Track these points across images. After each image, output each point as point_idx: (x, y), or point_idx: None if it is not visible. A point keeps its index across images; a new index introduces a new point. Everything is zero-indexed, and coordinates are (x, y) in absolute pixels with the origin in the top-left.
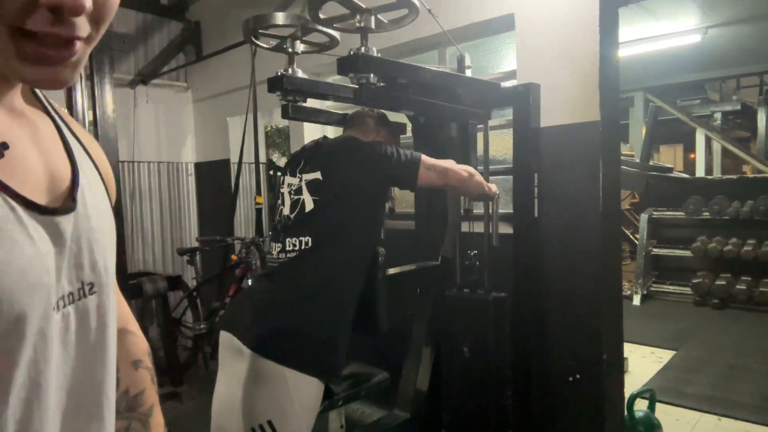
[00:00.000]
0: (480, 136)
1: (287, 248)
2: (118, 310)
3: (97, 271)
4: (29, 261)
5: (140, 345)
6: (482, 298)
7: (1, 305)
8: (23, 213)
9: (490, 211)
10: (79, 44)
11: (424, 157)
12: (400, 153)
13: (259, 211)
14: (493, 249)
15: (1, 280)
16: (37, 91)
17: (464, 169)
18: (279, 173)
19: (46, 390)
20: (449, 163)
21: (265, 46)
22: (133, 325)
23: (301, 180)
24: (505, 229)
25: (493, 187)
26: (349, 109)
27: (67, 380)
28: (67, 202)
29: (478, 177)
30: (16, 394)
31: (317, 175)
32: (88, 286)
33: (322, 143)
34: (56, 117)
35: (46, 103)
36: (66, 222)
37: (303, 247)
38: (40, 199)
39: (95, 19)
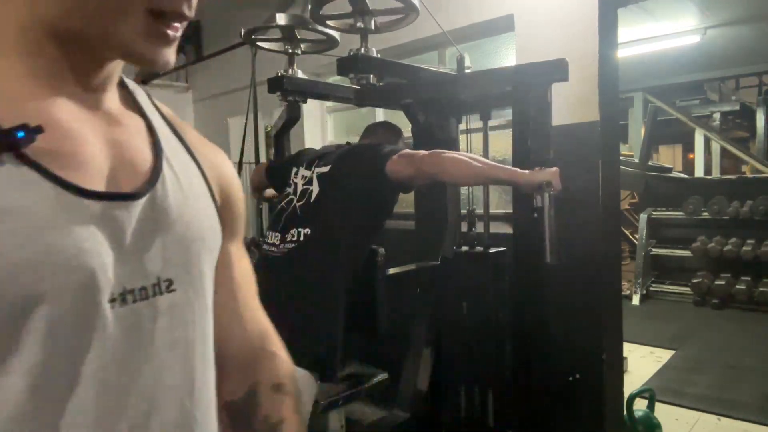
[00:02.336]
0: (479, 136)
1: (287, 238)
2: (255, 326)
3: (177, 268)
4: (56, 240)
5: (282, 367)
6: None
7: (7, 282)
8: (57, 192)
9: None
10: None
11: (405, 150)
12: (381, 147)
13: (259, 211)
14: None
15: (11, 254)
16: (140, 99)
17: (429, 152)
18: (292, 167)
19: (80, 386)
20: (430, 152)
21: (265, 46)
22: (274, 345)
23: (313, 172)
24: (505, 228)
25: (526, 173)
26: (350, 109)
27: (137, 382)
28: (136, 192)
29: (450, 154)
30: (26, 381)
31: (327, 168)
32: (166, 283)
33: (342, 146)
34: (153, 120)
35: (148, 108)
36: (124, 210)
37: (302, 239)
38: (92, 186)
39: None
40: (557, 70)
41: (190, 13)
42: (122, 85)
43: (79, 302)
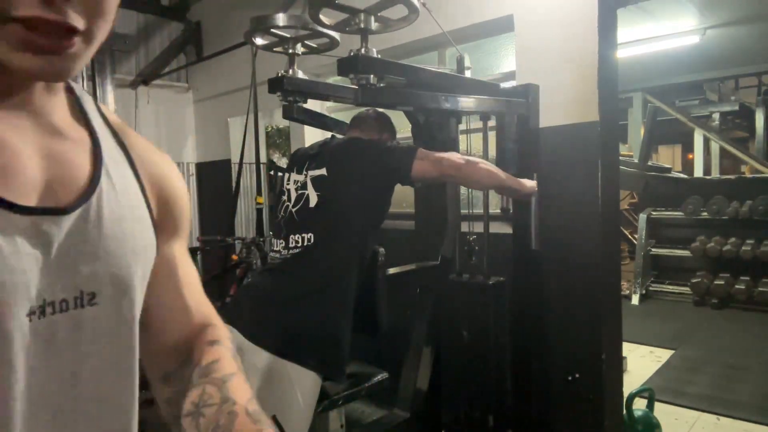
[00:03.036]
0: (479, 136)
1: (290, 245)
2: (200, 317)
3: (102, 282)
4: None
5: (220, 332)
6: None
7: None
8: None
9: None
10: (76, 38)
11: (421, 149)
12: (396, 147)
13: (259, 211)
14: (493, 247)
15: None
16: (87, 107)
17: (462, 157)
18: (280, 173)
19: (7, 397)
20: (448, 153)
21: (265, 47)
22: (216, 319)
23: (306, 176)
24: (505, 229)
25: (528, 183)
26: (348, 110)
27: (54, 391)
28: (68, 206)
29: (486, 166)
30: None
31: (323, 171)
32: (89, 296)
33: (329, 143)
34: (99, 130)
35: (94, 117)
36: (53, 224)
37: (306, 244)
38: (22, 200)
39: (90, 12)
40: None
41: (57, 16)
42: (71, 92)
43: (4, 317)
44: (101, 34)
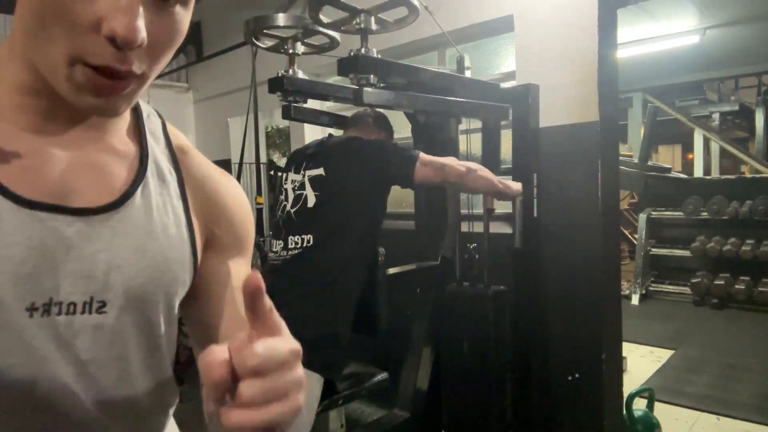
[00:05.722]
0: (478, 136)
1: (289, 246)
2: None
3: (114, 292)
4: None
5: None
6: (482, 291)
7: None
8: None
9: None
10: (133, 80)
11: (422, 154)
12: (399, 150)
13: (259, 211)
14: (493, 246)
15: None
16: (149, 126)
17: (463, 164)
18: (280, 173)
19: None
20: (449, 159)
21: (265, 47)
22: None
23: (304, 176)
24: (505, 229)
25: (514, 185)
26: (349, 110)
27: (55, 397)
28: (85, 210)
29: (483, 172)
30: None
31: (320, 171)
32: (98, 304)
33: (326, 142)
34: (155, 150)
35: (154, 138)
36: (67, 225)
37: (305, 245)
38: (37, 197)
39: (150, 59)
40: (503, 112)
41: (126, 67)
42: (135, 111)
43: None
44: (154, 76)
